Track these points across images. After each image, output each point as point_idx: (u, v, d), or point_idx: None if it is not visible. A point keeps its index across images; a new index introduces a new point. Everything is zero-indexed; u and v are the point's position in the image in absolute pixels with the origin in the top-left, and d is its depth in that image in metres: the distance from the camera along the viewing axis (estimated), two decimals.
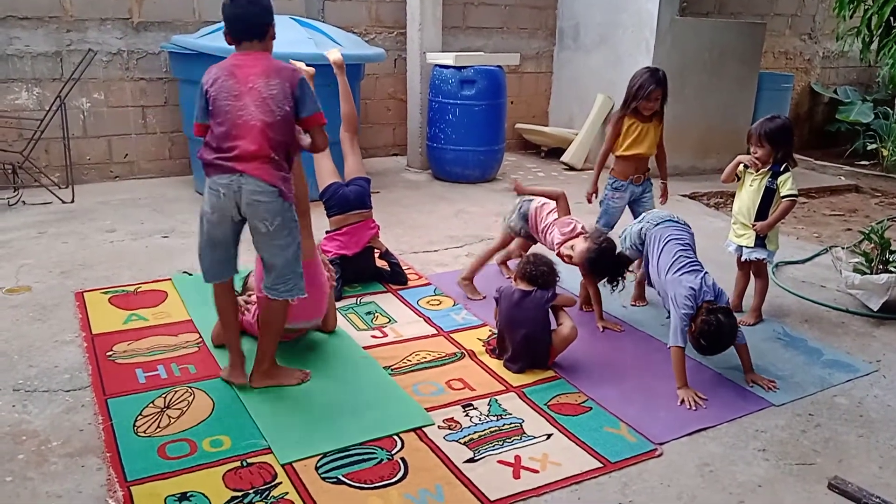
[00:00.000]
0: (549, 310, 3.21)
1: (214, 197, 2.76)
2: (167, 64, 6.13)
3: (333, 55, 4.26)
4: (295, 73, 2.79)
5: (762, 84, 7.51)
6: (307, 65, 3.61)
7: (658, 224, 3.52)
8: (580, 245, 3.51)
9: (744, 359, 3.18)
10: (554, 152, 7.77)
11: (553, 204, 3.82)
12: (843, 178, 7.72)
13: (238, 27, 2.79)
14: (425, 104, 6.67)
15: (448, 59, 6.30)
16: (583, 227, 3.64)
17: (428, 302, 3.93)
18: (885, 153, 8.39)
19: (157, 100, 6.24)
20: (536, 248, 3.86)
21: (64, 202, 5.48)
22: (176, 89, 6.14)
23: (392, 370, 3.16)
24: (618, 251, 3.56)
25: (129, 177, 6.29)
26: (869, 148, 8.67)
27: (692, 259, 3.25)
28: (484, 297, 3.95)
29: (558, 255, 3.59)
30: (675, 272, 3.20)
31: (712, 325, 2.98)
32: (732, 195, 6.67)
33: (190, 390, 2.93)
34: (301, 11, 6.46)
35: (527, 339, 3.15)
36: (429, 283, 4.17)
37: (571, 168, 7.30)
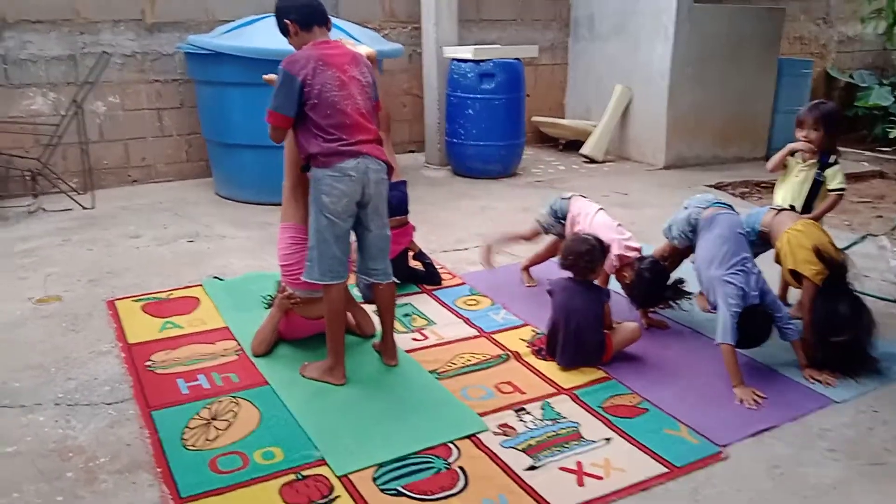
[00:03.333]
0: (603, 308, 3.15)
1: (343, 183, 2.76)
2: (182, 65, 6.04)
3: (365, 50, 4.15)
4: (368, 60, 2.96)
5: (782, 70, 7.40)
6: None
7: (706, 208, 3.41)
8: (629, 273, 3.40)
9: (799, 354, 3.10)
10: (572, 145, 7.67)
11: (596, 206, 3.69)
12: (866, 164, 7.63)
13: (308, 13, 2.83)
14: (443, 99, 6.58)
15: (466, 52, 6.21)
16: (638, 248, 3.49)
17: (465, 302, 3.85)
18: None
19: (173, 102, 6.16)
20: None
21: (84, 208, 5.40)
22: (191, 90, 6.05)
23: (438, 374, 3.08)
24: (671, 280, 3.39)
25: (148, 181, 6.22)
26: (892, 136, 8.55)
27: (741, 256, 3.14)
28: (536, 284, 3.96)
29: (617, 274, 3.47)
30: (724, 269, 3.10)
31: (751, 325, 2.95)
32: (758, 184, 6.69)
33: (235, 400, 2.85)
34: None
35: (579, 329, 3.08)
36: (463, 283, 4.09)
37: (592, 160, 7.21)
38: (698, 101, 6.95)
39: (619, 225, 3.59)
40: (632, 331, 3.19)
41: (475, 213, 5.41)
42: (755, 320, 2.97)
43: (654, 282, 3.31)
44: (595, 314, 3.12)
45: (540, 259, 4.08)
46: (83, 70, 5.67)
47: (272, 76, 3.09)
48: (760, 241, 3.46)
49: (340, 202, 2.78)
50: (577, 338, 3.10)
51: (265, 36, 5.14)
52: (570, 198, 3.81)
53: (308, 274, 2.88)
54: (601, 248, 3.23)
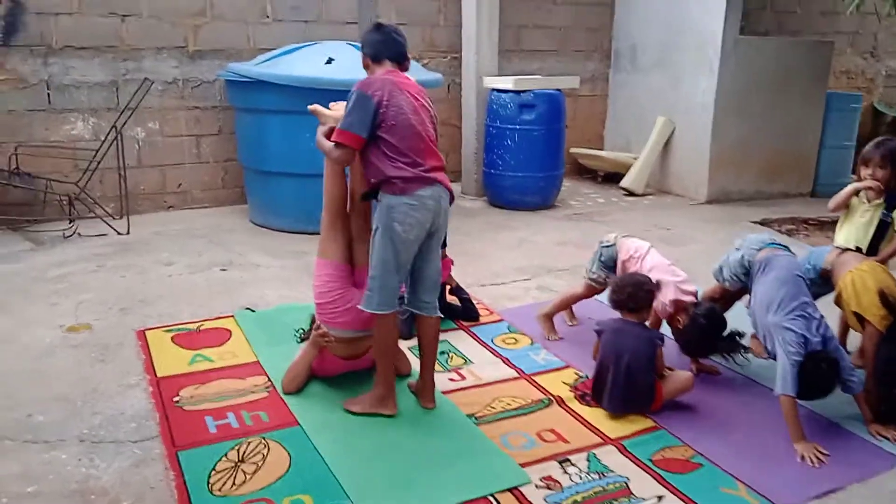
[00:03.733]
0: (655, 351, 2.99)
1: (419, 211, 2.73)
2: (221, 92, 6.04)
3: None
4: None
5: (830, 104, 7.19)
6: None
7: (761, 249, 3.24)
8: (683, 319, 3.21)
9: (863, 407, 2.90)
10: (611, 177, 7.52)
11: (646, 244, 3.50)
12: None
13: (381, 48, 2.84)
14: (481, 129, 6.49)
15: (507, 83, 6.12)
16: (694, 291, 3.32)
17: (503, 340, 3.70)
18: None
19: (212, 128, 6.15)
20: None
21: (119, 233, 5.38)
22: (230, 117, 6.04)
23: (477, 419, 2.93)
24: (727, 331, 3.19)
25: (183, 207, 6.19)
26: None
27: (801, 300, 2.95)
28: (561, 338, 3.71)
29: (669, 319, 3.29)
30: (784, 314, 2.91)
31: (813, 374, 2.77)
32: (805, 221, 6.46)
33: (264, 441, 2.73)
34: (355, 37, 6.34)
35: (629, 371, 2.92)
36: (501, 320, 3.95)
37: (632, 193, 7.04)
38: (743, 135, 6.77)
39: (672, 265, 3.41)
40: (684, 380, 3.02)
41: (513, 247, 5.28)
42: (818, 369, 2.78)
43: (709, 330, 3.12)
44: (647, 356, 2.96)
45: (578, 298, 3.90)
46: (124, 96, 5.68)
47: (317, 106, 3.05)
48: (822, 281, 3.28)
49: (412, 231, 2.73)
50: (626, 380, 2.94)
51: (305, 64, 5.13)
52: (614, 243, 3.56)
53: (367, 304, 2.80)
54: (654, 286, 3.08)
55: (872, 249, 3.37)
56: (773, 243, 3.26)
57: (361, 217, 3.08)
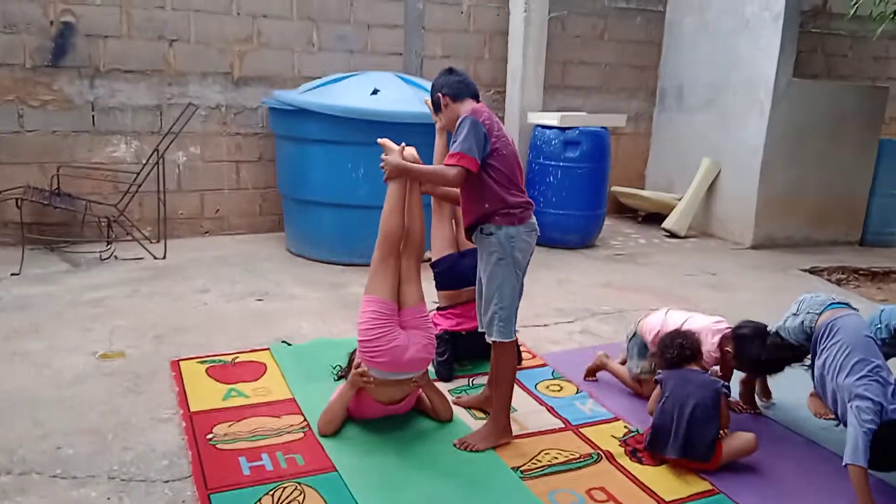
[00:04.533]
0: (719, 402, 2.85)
1: (532, 238, 2.89)
2: (264, 119, 6.03)
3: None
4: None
5: (882, 151, 6.98)
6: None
7: (822, 312, 3.06)
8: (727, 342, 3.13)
9: None
10: (651, 217, 7.36)
11: (661, 313, 3.37)
12: None
13: (460, 87, 2.92)
14: (524, 165, 6.38)
15: (552, 119, 6.03)
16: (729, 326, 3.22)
17: (547, 387, 3.54)
18: None
19: (252, 155, 6.13)
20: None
21: (156, 258, 5.33)
22: (270, 145, 6.02)
23: (522, 473, 2.77)
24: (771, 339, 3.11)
25: (219, 232, 6.16)
26: None
27: (875, 363, 2.75)
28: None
29: (721, 361, 3.17)
30: (855, 378, 2.72)
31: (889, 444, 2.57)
32: (855, 271, 6.23)
33: (299, 487, 2.60)
34: (399, 68, 6.31)
35: (693, 416, 2.78)
36: (545, 364, 3.79)
37: (674, 235, 6.87)
38: (792, 180, 6.58)
39: (692, 315, 3.34)
40: (746, 441, 2.84)
41: (553, 286, 5.13)
42: (894, 439, 2.58)
43: (756, 335, 3.05)
44: (712, 402, 2.82)
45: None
46: (168, 120, 5.68)
47: (386, 140, 2.98)
48: (894, 340, 3.08)
49: (527, 257, 2.89)
50: (689, 427, 2.78)
51: (351, 95, 5.08)
52: (636, 331, 3.46)
53: (505, 334, 2.87)
54: (692, 333, 2.97)
55: None
56: (833, 304, 3.07)
57: (414, 258, 3.02)
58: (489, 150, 2.78)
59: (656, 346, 3.08)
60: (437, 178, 2.99)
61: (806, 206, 6.72)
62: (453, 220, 3.69)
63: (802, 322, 3.06)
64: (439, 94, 2.94)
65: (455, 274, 3.59)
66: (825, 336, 2.93)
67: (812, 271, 6.01)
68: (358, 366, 2.95)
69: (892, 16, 5.51)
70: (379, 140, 3.09)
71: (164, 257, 5.36)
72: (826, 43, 8.07)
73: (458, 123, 2.80)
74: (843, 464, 2.62)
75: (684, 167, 7.20)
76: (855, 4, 5.39)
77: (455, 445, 2.91)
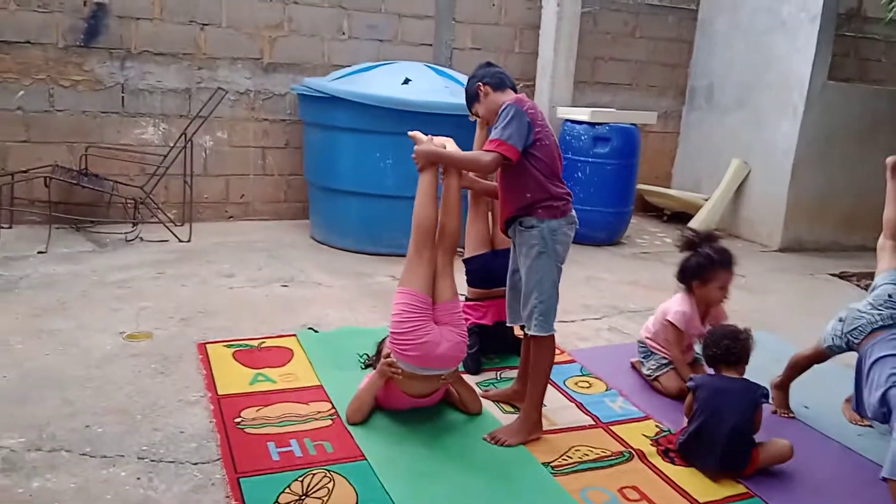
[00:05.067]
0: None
1: (572, 230, 2.85)
2: (292, 106, 6.00)
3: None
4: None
5: None
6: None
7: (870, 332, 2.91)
8: None
9: None
10: (677, 216, 7.28)
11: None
12: None
13: (501, 77, 2.90)
14: None
15: (583, 114, 5.97)
16: None
17: (576, 383, 3.50)
18: None
19: (279, 141, 6.11)
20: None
21: (181, 241, 5.33)
22: (298, 131, 6.00)
23: (553, 469, 2.73)
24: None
25: (243, 218, 6.15)
26: None
27: None
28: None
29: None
30: None
31: None
32: None
33: (329, 475, 2.57)
34: (429, 58, 6.27)
35: (733, 433, 2.70)
36: (573, 361, 3.74)
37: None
38: (823, 184, 6.48)
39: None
40: (782, 448, 2.77)
41: (580, 283, 5.07)
42: None
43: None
44: (749, 418, 2.74)
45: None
46: (196, 104, 5.67)
47: (417, 133, 2.95)
48: None
49: (567, 251, 2.84)
50: (728, 444, 2.71)
51: (382, 84, 5.04)
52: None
53: (545, 328, 2.84)
54: (749, 334, 2.88)
55: None
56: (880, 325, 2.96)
57: (448, 252, 2.96)
58: (532, 139, 2.72)
59: (707, 335, 2.99)
60: (472, 165, 2.96)
61: (835, 210, 6.61)
62: (489, 218, 3.65)
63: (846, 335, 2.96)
64: (479, 84, 2.87)
65: (488, 273, 3.55)
66: (868, 356, 2.83)
67: (841, 276, 5.92)
68: (388, 356, 2.91)
69: None
70: (409, 133, 3.03)
71: (189, 241, 5.35)
72: (860, 47, 7.94)
73: (501, 110, 2.74)
74: (881, 476, 2.55)
75: (713, 167, 7.12)
76: (891, 9, 5.30)
77: (485, 439, 2.88)
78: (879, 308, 2.90)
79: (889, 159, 3.19)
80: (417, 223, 2.91)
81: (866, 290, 5.73)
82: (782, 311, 4.81)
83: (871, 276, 6.02)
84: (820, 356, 3.22)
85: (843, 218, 6.70)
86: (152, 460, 2.57)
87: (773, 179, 6.53)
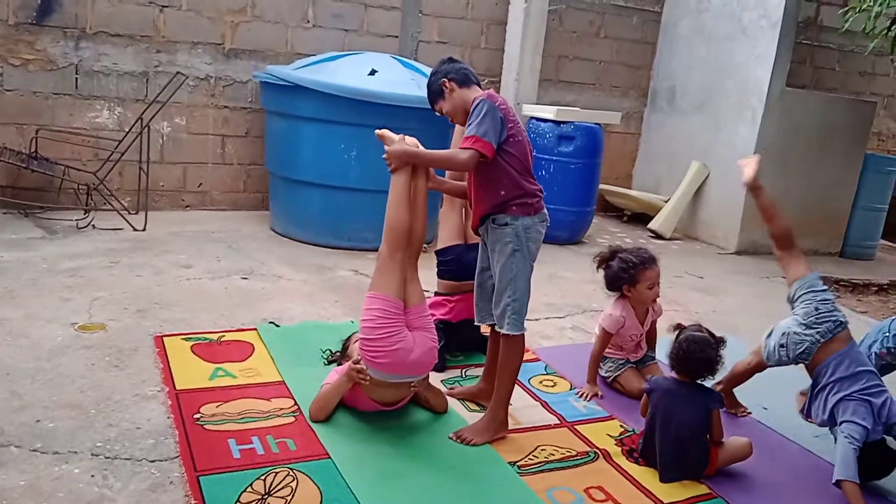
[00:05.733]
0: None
1: (544, 227, 2.84)
2: (254, 94, 5.87)
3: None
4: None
5: (866, 165, 7.04)
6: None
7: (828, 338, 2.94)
8: None
9: None
10: (637, 217, 7.35)
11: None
12: None
13: (466, 73, 2.86)
14: None
15: (548, 112, 5.97)
16: None
17: (541, 382, 3.49)
18: None
19: (239, 130, 5.97)
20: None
21: (136, 229, 5.16)
22: (259, 120, 5.87)
23: (519, 468, 2.71)
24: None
25: (201, 207, 6.00)
26: None
27: (867, 383, 2.74)
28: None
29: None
30: (844, 395, 2.72)
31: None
32: (837, 282, 6.28)
33: (292, 473, 2.50)
34: (394, 51, 6.19)
35: (679, 440, 2.72)
36: (538, 359, 3.74)
37: (659, 237, 6.86)
38: (779, 188, 6.56)
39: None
40: (741, 447, 2.81)
41: (543, 281, 5.06)
42: (876, 458, 2.63)
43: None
44: (700, 423, 2.75)
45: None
46: (154, 88, 5.50)
47: (385, 132, 2.86)
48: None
49: (539, 248, 2.83)
50: (676, 448, 2.73)
51: (347, 74, 4.96)
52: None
53: (517, 326, 2.82)
54: (717, 340, 2.87)
55: None
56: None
57: (415, 255, 2.88)
58: (505, 135, 2.69)
59: (675, 349, 2.95)
60: (448, 163, 2.95)
61: (790, 215, 6.56)
62: (463, 210, 3.61)
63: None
64: (444, 80, 2.81)
65: (460, 265, 3.51)
66: (825, 373, 2.85)
67: None
68: (357, 361, 2.81)
69: (883, 32, 5.57)
70: (378, 132, 2.91)
71: (144, 229, 5.19)
72: (815, 55, 8.13)
73: (473, 106, 2.70)
74: (833, 481, 2.60)
75: (672, 169, 7.21)
76: (847, 19, 5.43)
77: (451, 438, 2.84)
78: (815, 326, 2.88)
79: (744, 177, 3.24)
80: (391, 226, 2.80)
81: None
82: (739, 313, 4.89)
83: (823, 280, 6.20)
84: (760, 367, 3.23)
85: (799, 222, 6.75)
86: (107, 457, 2.47)
87: (731, 183, 6.59)
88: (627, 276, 3.36)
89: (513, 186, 2.73)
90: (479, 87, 2.85)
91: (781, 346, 2.97)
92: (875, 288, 6.18)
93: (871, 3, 4.97)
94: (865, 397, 2.72)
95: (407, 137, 2.90)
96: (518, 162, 2.73)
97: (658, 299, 3.50)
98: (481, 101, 2.69)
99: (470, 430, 2.87)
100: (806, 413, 3.00)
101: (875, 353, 3.16)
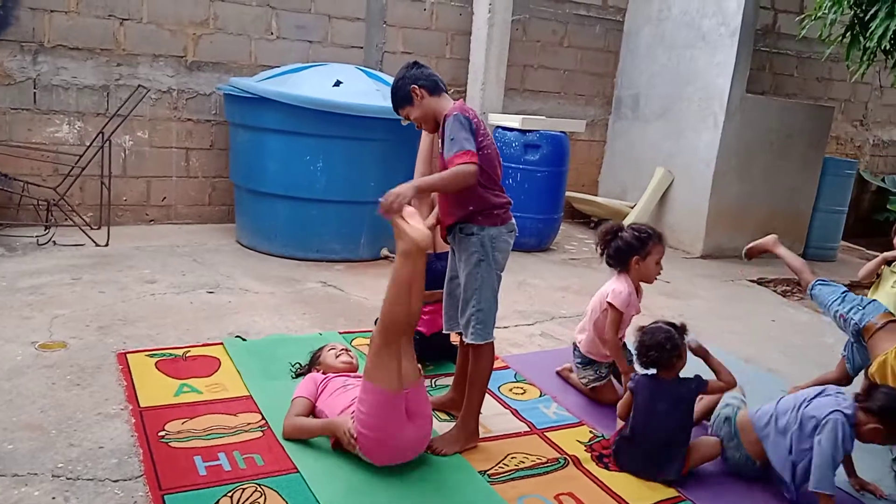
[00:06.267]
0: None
1: (512, 238, 2.85)
2: (217, 106, 5.82)
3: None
4: None
5: (825, 169, 7.18)
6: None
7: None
8: None
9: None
10: (604, 223, 7.40)
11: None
12: None
13: (435, 80, 2.83)
14: None
15: (514, 121, 6.00)
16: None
17: (510, 390, 3.49)
18: None
19: (203, 142, 5.91)
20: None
21: (98, 245, 5.08)
22: (223, 132, 5.82)
23: (490, 477, 2.70)
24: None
25: (165, 221, 5.92)
26: None
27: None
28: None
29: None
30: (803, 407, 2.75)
31: None
32: (799, 283, 6.37)
33: (259, 489, 2.47)
34: (359, 62, 6.19)
35: (668, 442, 2.74)
36: (507, 367, 3.74)
37: None
38: (742, 192, 6.72)
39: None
40: (711, 446, 2.84)
41: (512, 289, 5.08)
42: None
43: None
44: (683, 421, 2.78)
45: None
46: (115, 102, 5.43)
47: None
48: (856, 337, 3.15)
49: (506, 258, 2.85)
50: (659, 447, 2.76)
51: (312, 85, 4.94)
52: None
53: (482, 336, 2.81)
54: (678, 328, 2.87)
55: None
56: None
57: (410, 332, 2.71)
58: (477, 148, 2.67)
59: (639, 339, 2.95)
60: (456, 182, 2.60)
61: (754, 218, 6.85)
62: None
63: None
64: (413, 86, 2.77)
65: (430, 275, 3.49)
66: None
67: (759, 282, 6.14)
68: (352, 437, 2.60)
69: (839, 39, 5.70)
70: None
71: (107, 245, 5.11)
72: (774, 62, 8.29)
73: (449, 121, 2.65)
74: (809, 489, 2.58)
75: (638, 175, 7.28)
76: (804, 26, 5.55)
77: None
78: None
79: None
80: (392, 320, 2.56)
81: (783, 295, 6.01)
82: (706, 316, 4.95)
83: (786, 282, 6.34)
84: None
85: (761, 226, 6.92)
86: (69, 478, 2.41)
87: (696, 188, 6.73)
88: (641, 246, 3.25)
89: (480, 200, 2.72)
90: (448, 94, 2.85)
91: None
92: None
93: (826, 11, 5.07)
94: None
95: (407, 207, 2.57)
96: (486, 176, 2.72)
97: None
98: (456, 115, 2.65)
99: (440, 441, 2.85)
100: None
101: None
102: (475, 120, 2.69)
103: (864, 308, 3.16)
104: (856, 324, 3.14)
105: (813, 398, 2.70)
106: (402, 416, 2.60)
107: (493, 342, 2.87)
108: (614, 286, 3.31)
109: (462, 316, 2.83)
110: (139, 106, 5.43)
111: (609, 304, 3.28)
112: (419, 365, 3.42)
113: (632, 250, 3.28)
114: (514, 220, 2.85)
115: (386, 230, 4.60)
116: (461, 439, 2.86)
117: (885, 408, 2.53)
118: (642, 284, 3.41)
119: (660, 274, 3.37)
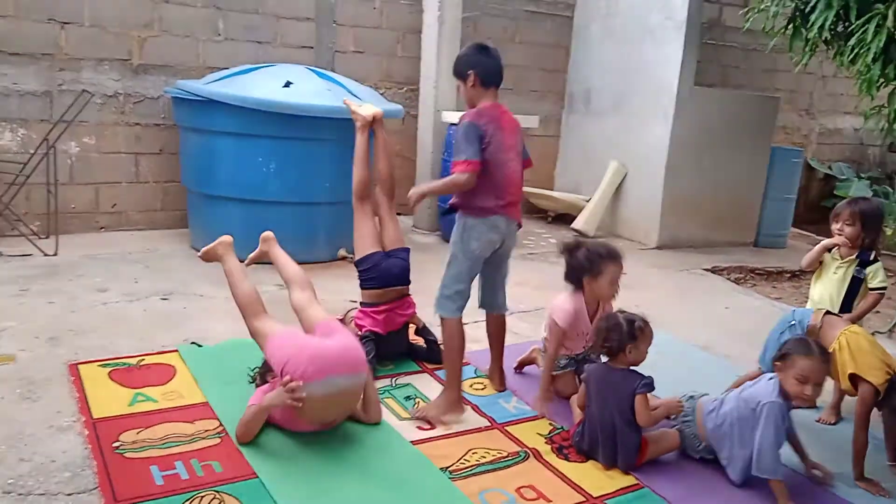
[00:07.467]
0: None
1: (489, 234, 3.10)
2: (166, 110, 5.72)
3: (372, 110, 3.85)
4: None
5: (774, 158, 7.34)
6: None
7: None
8: None
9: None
10: (561, 218, 7.48)
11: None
12: None
13: (494, 73, 3.07)
14: (437, 163, 6.35)
15: None
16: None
17: (471, 385, 3.50)
18: (889, 232, 8.28)
19: (153, 147, 5.81)
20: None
21: (46, 254, 4.96)
22: (173, 136, 5.72)
23: (451, 473, 2.71)
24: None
25: (117, 228, 5.80)
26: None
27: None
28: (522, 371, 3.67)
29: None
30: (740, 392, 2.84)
31: None
32: (752, 271, 6.54)
33: (218, 496, 2.44)
34: (310, 62, 6.14)
35: (614, 425, 2.79)
36: (467, 363, 3.73)
37: (583, 235, 6.99)
38: (694, 183, 6.84)
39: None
40: (671, 438, 2.90)
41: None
42: None
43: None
44: (631, 408, 2.81)
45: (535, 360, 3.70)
46: (59, 108, 5.30)
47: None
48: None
49: (485, 250, 3.13)
50: (611, 434, 2.81)
51: (261, 86, 4.89)
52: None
53: (443, 310, 3.16)
54: (630, 321, 2.90)
55: (846, 306, 3.35)
56: None
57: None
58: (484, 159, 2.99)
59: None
60: (451, 188, 3.12)
61: (706, 208, 6.99)
62: (376, 219, 3.63)
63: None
64: (471, 72, 3.02)
65: (381, 271, 3.52)
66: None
67: (713, 271, 6.26)
68: (287, 382, 2.67)
69: (782, 31, 5.84)
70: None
71: (56, 254, 4.99)
72: (721, 54, 8.45)
73: (459, 128, 2.98)
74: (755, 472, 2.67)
75: (592, 169, 7.36)
76: (748, 19, 5.67)
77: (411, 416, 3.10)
78: None
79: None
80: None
81: (736, 283, 6.13)
82: (661, 305, 5.01)
83: (739, 270, 6.47)
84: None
85: (713, 216, 7.09)
86: (20, 494, 2.36)
87: (649, 180, 6.83)
88: (592, 266, 3.23)
89: (464, 196, 3.06)
90: (497, 88, 3.08)
91: None
92: (788, 275, 6.46)
93: (769, 4, 5.19)
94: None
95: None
96: (485, 178, 2.99)
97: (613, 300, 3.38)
98: (466, 122, 2.99)
99: (426, 406, 3.16)
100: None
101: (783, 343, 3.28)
102: (483, 128, 2.96)
103: (796, 321, 3.17)
104: (800, 334, 3.18)
105: (751, 386, 2.80)
106: (308, 334, 2.94)
107: (458, 320, 3.17)
108: (561, 302, 3.30)
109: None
110: (85, 111, 5.31)
111: (553, 321, 3.28)
112: (376, 365, 3.48)
113: (583, 271, 3.25)
114: (499, 218, 3.08)
115: (342, 230, 4.60)
116: (441, 405, 3.11)
117: None
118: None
119: (615, 295, 3.32)
